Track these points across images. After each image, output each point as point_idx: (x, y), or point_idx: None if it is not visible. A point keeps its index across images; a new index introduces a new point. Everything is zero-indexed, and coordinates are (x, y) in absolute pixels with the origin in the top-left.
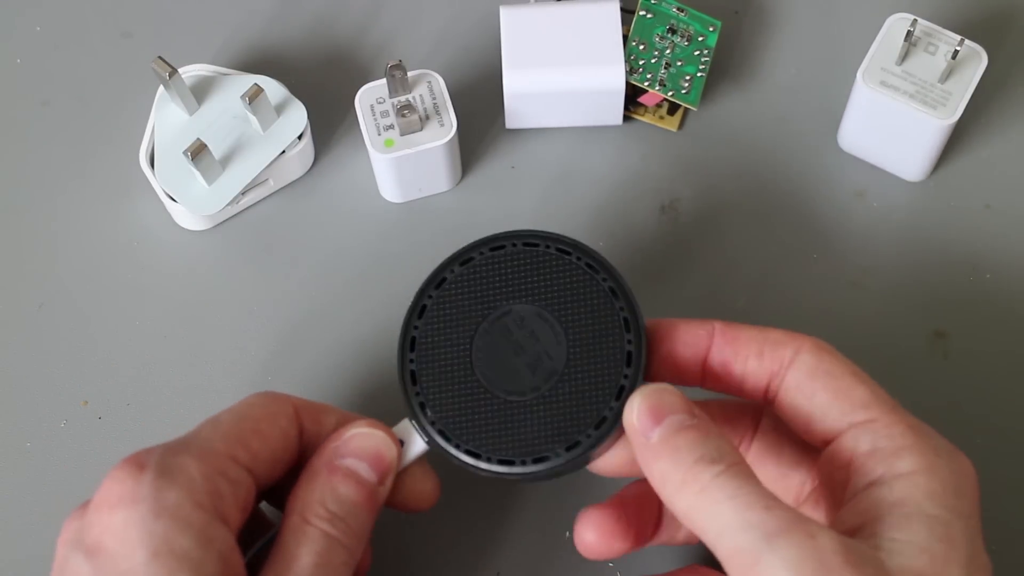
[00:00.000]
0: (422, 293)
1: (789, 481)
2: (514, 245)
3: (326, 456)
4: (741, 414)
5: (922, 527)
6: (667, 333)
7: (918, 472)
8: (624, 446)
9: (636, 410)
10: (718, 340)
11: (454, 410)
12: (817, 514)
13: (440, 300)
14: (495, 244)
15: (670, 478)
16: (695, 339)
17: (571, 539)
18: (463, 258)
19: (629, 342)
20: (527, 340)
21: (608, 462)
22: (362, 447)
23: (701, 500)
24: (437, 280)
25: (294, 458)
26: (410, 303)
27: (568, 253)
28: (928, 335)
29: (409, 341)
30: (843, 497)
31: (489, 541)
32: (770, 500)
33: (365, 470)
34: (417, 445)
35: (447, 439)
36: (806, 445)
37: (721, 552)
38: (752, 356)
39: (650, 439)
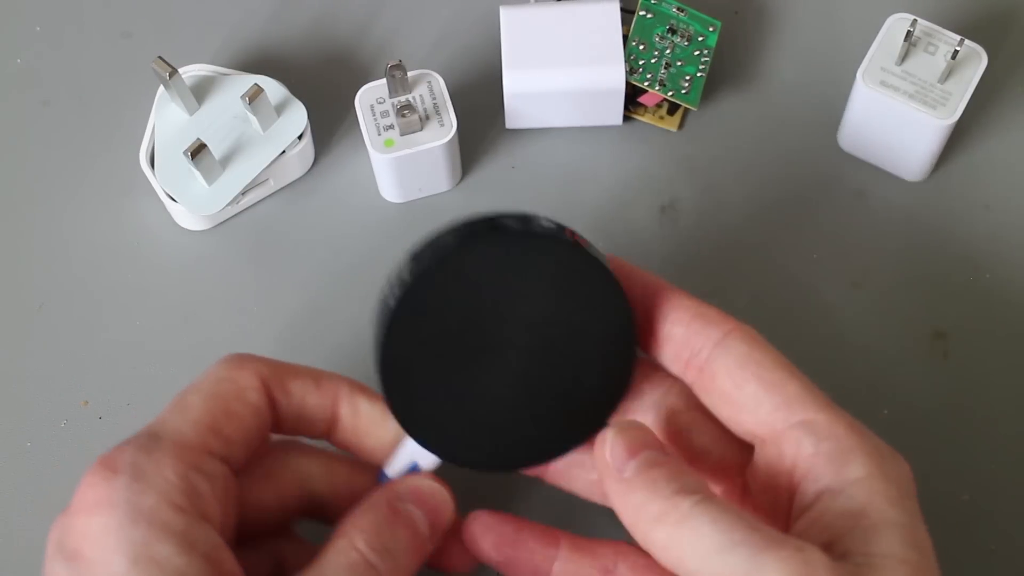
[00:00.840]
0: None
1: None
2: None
3: (389, 494)
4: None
5: (894, 537)
6: (617, 268)
7: (871, 476)
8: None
9: (610, 446)
10: (651, 294)
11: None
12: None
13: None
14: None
15: (646, 511)
16: (631, 283)
17: None
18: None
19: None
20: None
21: (576, 484)
22: (425, 499)
23: (681, 530)
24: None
25: (266, 433)
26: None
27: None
28: (928, 335)
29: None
30: (788, 505)
31: None
32: (753, 520)
33: (422, 521)
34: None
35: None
36: (721, 430)
37: None
38: (679, 323)
39: (624, 474)
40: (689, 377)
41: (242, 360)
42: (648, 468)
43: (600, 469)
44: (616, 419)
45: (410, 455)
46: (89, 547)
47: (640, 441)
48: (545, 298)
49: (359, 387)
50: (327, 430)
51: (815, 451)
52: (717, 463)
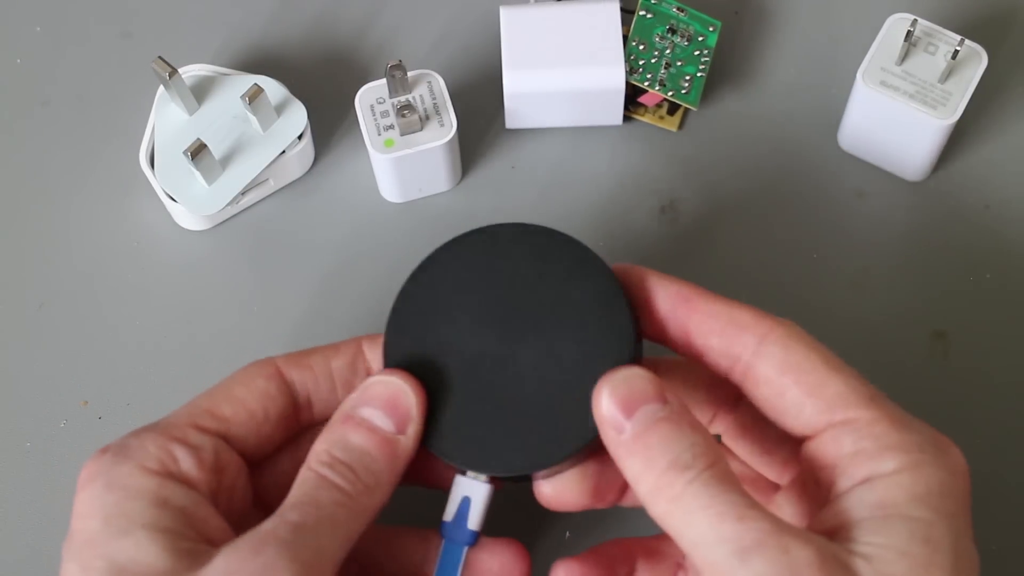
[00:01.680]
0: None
1: (773, 457)
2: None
3: (343, 408)
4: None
5: (902, 530)
6: (637, 280)
7: (902, 471)
8: (579, 482)
9: (605, 402)
10: (681, 306)
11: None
12: (797, 508)
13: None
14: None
15: (643, 480)
16: (659, 298)
17: (571, 540)
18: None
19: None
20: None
21: (562, 498)
22: (378, 395)
23: (675, 508)
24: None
25: (288, 411)
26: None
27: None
28: (928, 335)
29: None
30: (827, 497)
31: None
32: (744, 509)
33: (380, 418)
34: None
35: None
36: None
37: (696, 562)
38: (714, 334)
39: (622, 434)
40: (736, 379)
41: (259, 360)
42: (645, 431)
43: (597, 422)
44: (615, 369)
45: (459, 492)
46: (76, 520)
47: (638, 394)
48: (527, 279)
49: (377, 337)
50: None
51: (854, 449)
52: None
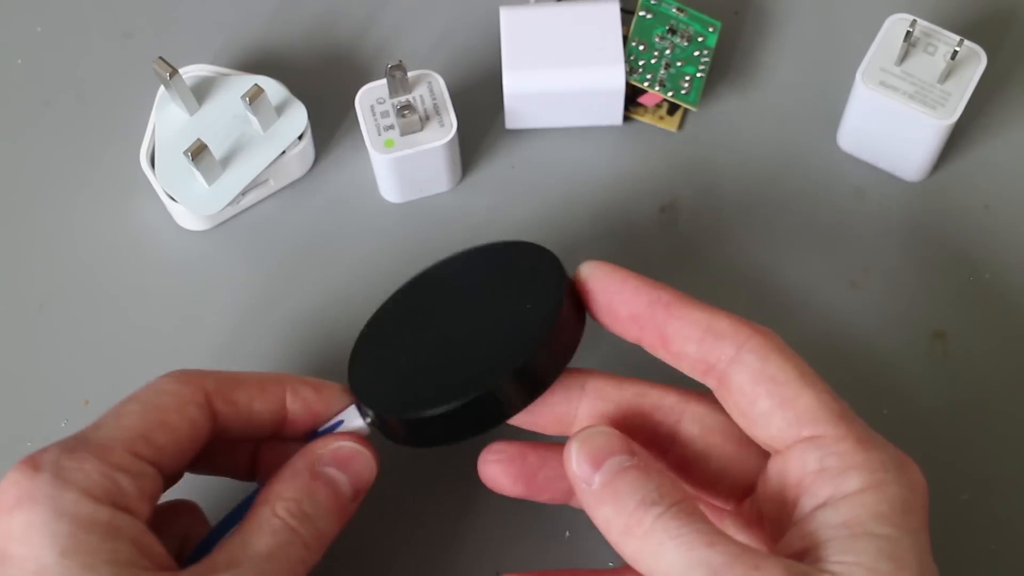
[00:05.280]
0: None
1: (727, 479)
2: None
3: (310, 459)
4: (661, 411)
5: (869, 547)
6: (615, 285)
7: (866, 490)
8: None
9: (575, 457)
10: (660, 312)
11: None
12: (747, 534)
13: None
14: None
15: (614, 523)
16: (636, 300)
17: (571, 539)
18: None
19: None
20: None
21: (506, 484)
22: (347, 461)
23: (646, 543)
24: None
25: (205, 441)
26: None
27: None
28: (927, 335)
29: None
30: (790, 516)
31: (489, 541)
32: (713, 536)
33: (344, 483)
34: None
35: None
36: (735, 454)
37: None
38: (690, 340)
39: (591, 486)
40: (710, 384)
41: (187, 375)
42: (612, 479)
43: (570, 479)
44: (581, 429)
45: (341, 415)
46: (15, 546)
47: (604, 448)
48: (479, 273)
49: (302, 380)
50: (277, 429)
51: (818, 467)
52: (741, 472)
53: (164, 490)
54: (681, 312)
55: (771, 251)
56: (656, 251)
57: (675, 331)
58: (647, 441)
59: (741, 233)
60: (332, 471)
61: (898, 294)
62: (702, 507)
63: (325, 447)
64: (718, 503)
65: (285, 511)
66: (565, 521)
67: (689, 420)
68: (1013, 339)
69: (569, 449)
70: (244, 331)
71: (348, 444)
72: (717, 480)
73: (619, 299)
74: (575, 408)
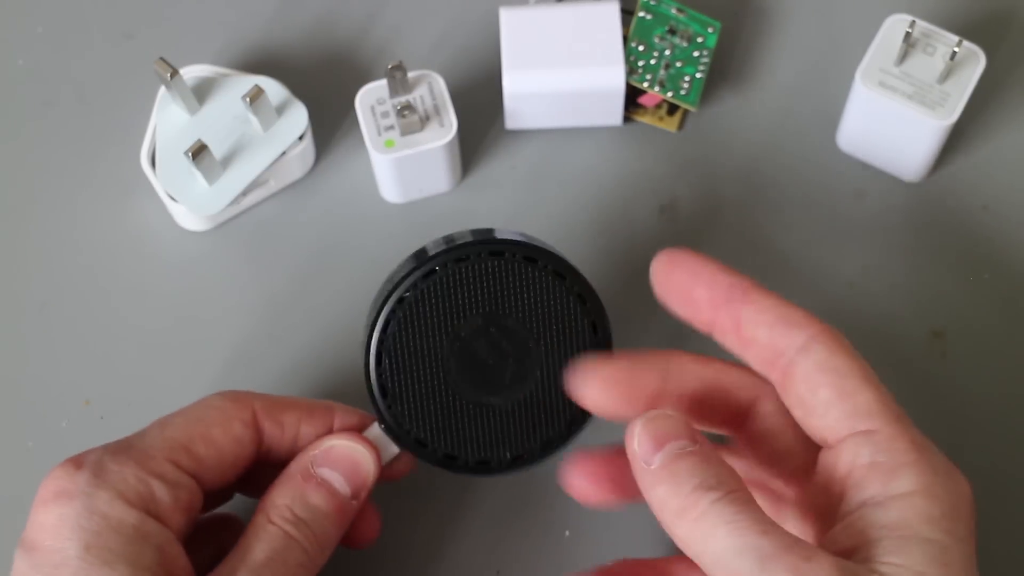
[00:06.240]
0: (383, 306)
1: (794, 459)
2: (479, 255)
3: (303, 463)
4: (742, 390)
5: (919, 551)
6: (698, 268)
7: (916, 493)
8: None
9: (637, 437)
10: (738, 296)
11: (428, 416)
12: (802, 527)
13: (405, 315)
14: (459, 255)
15: (669, 504)
16: (716, 284)
17: (571, 539)
18: (426, 270)
19: (597, 345)
20: (496, 348)
21: (593, 492)
22: (340, 459)
23: (698, 526)
24: (399, 296)
25: (251, 460)
26: (370, 315)
27: (534, 261)
28: (926, 335)
29: (376, 356)
30: (836, 510)
31: (489, 541)
32: (767, 525)
33: (339, 482)
34: (389, 451)
35: (423, 445)
36: (804, 437)
37: None
38: (763, 325)
39: (650, 465)
40: (773, 377)
41: (236, 394)
42: (673, 461)
43: (630, 458)
44: (650, 410)
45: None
46: (45, 536)
47: (668, 431)
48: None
49: (351, 410)
50: None
51: (870, 462)
52: (799, 464)
53: (209, 507)
54: (758, 298)
55: (771, 251)
56: (656, 251)
57: (750, 316)
58: (726, 416)
59: (740, 233)
60: (325, 471)
61: (897, 294)
62: (765, 495)
63: (317, 447)
64: (782, 485)
65: (279, 517)
66: (565, 521)
67: (766, 399)
68: (1012, 339)
69: (632, 428)
70: (244, 331)
71: (341, 442)
72: (784, 458)
73: (700, 282)
74: (661, 385)
